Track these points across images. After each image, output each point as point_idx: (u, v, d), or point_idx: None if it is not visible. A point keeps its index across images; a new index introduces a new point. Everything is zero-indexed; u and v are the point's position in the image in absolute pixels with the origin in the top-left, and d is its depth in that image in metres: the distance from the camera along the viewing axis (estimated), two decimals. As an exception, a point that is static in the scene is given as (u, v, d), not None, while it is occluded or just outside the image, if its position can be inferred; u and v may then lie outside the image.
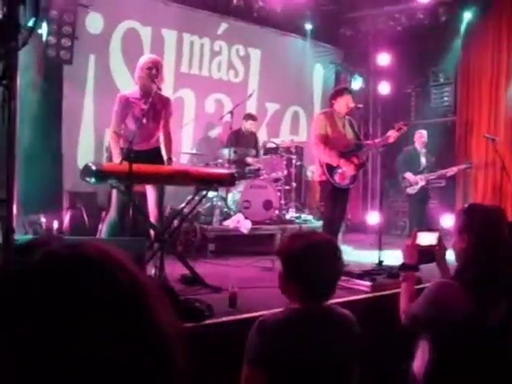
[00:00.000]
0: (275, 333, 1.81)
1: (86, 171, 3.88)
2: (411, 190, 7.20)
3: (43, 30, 6.15)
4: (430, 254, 2.70)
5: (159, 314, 0.73)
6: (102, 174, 3.89)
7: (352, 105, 5.29)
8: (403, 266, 2.71)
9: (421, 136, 7.38)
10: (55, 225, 5.92)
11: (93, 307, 0.67)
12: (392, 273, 4.16)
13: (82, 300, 0.67)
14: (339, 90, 5.41)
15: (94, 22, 6.85)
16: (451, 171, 7.15)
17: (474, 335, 2.24)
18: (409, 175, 7.18)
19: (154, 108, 4.39)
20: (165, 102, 4.56)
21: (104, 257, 0.73)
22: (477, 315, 2.22)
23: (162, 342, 0.72)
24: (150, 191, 4.41)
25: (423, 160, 7.31)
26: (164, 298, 0.78)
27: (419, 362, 2.42)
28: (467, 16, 7.77)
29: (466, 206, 2.58)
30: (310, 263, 1.86)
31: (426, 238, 2.71)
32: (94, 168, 3.86)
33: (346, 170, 5.15)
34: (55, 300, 0.67)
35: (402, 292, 2.65)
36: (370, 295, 3.93)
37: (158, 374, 0.71)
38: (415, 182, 7.14)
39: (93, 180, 3.87)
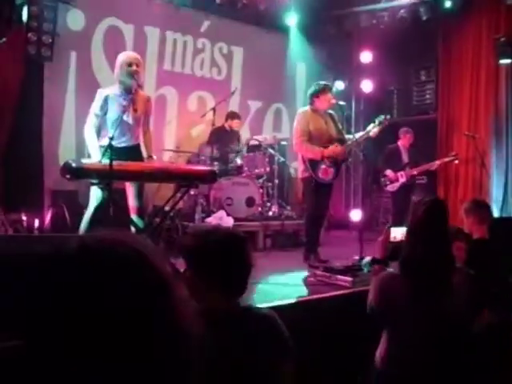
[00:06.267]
0: None
1: (66, 168, 3.85)
2: (391, 188, 7.21)
3: (23, 23, 6.10)
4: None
5: (181, 312, 0.75)
6: (82, 172, 3.87)
7: (333, 101, 5.32)
8: (374, 261, 2.78)
9: (406, 133, 7.39)
10: (36, 223, 5.88)
11: (118, 302, 0.70)
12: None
13: (109, 293, 0.70)
14: (320, 87, 5.40)
15: (75, 19, 6.80)
16: (434, 165, 7.15)
17: (418, 321, 2.33)
18: (389, 172, 7.19)
19: (134, 105, 4.37)
20: (145, 100, 4.56)
21: (135, 253, 0.75)
22: (417, 302, 2.32)
23: (180, 339, 0.74)
24: (129, 187, 4.40)
25: (405, 157, 7.34)
26: (188, 297, 0.80)
27: (381, 349, 2.52)
28: (447, 15, 7.83)
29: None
30: (225, 258, 1.79)
31: (399, 234, 2.77)
32: (74, 165, 3.84)
33: (333, 153, 5.18)
34: (83, 292, 0.69)
35: (371, 286, 2.71)
36: (351, 290, 3.96)
37: (173, 370, 0.73)
38: (395, 178, 7.15)
39: (73, 177, 3.85)
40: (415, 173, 7.18)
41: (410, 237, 2.48)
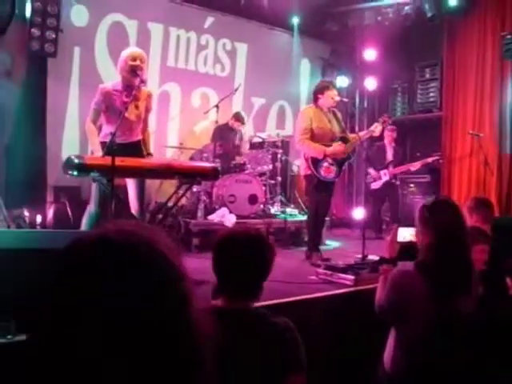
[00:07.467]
0: None
1: (69, 164, 3.83)
2: (374, 185, 7.28)
3: (26, 19, 6.09)
4: (411, 250, 2.71)
5: (194, 309, 0.76)
6: (84, 167, 3.83)
7: (337, 98, 5.30)
8: (381, 260, 2.74)
9: (390, 131, 7.39)
10: (39, 219, 5.88)
11: (135, 293, 0.70)
12: (375, 267, 4.17)
13: (126, 285, 0.70)
14: (324, 84, 5.39)
15: (79, 15, 6.81)
16: (415, 165, 7.20)
17: (434, 323, 2.29)
18: (371, 170, 7.27)
19: (136, 101, 4.35)
20: (146, 96, 4.51)
21: (151, 247, 0.75)
22: (436, 302, 2.28)
23: (195, 336, 0.74)
24: (131, 184, 4.37)
25: (389, 155, 7.37)
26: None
27: (388, 351, 2.48)
28: (452, 11, 7.79)
29: (427, 200, 2.59)
30: (226, 257, 1.81)
31: (407, 234, 2.73)
32: (76, 161, 3.81)
33: (336, 152, 5.16)
34: (101, 283, 0.70)
35: (378, 285, 2.67)
36: (353, 289, 3.94)
37: (184, 368, 0.73)
38: (378, 177, 7.22)
39: (75, 173, 3.82)
40: (398, 171, 7.25)
41: (435, 240, 2.37)
